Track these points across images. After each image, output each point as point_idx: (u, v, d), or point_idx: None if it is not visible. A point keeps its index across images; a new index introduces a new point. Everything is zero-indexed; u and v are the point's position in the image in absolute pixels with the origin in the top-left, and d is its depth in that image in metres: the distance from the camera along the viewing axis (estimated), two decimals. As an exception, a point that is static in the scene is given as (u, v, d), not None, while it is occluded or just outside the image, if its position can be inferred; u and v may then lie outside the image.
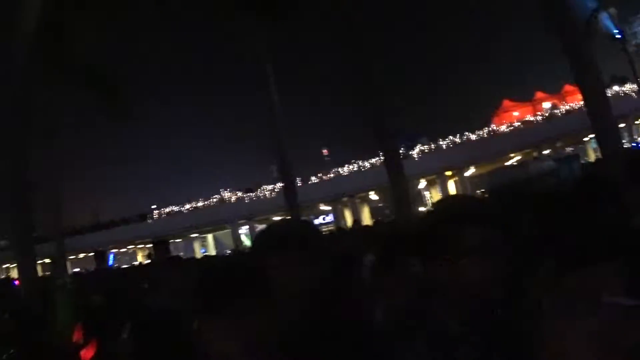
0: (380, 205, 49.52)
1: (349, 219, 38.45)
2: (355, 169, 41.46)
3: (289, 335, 1.84)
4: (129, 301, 6.10)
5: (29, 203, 14.05)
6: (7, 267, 47.22)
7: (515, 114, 51.72)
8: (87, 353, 4.09)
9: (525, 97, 56.39)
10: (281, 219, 4.32)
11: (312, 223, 2.80)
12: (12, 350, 5.05)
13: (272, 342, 1.74)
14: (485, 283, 1.77)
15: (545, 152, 39.63)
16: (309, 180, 41.02)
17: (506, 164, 39.12)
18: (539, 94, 55.88)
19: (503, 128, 42.18)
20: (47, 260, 34.82)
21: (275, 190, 39.13)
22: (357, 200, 43.01)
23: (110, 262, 39.73)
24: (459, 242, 1.77)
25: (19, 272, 13.13)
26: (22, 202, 13.51)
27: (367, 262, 4.16)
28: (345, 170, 42.00)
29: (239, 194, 43.60)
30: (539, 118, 43.08)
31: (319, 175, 42.21)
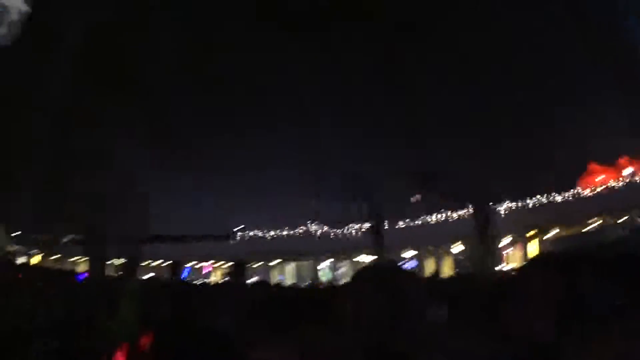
0: (462, 257, 48.85)
1: (429, 268, 37.76)
2: (442, 218, 41.62)
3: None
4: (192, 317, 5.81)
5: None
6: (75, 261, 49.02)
7: (600, 177, 50.05)
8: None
9: (613, 160, 54.31)
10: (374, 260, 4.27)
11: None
12: (55, 344, 4.71)
13: None
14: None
15: (623, 219, 38.11)
16: (396, 224, 40.81)
17: (586, 229, 38.65)
18: (622, 160, 53.58)
19: (587, 192, 41.84)
20: (121, 261, 35.65)
21: (362, 229, 39.26)
22: (440, 251, 42.30)
23: (185, 274, 40.22)
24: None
25: (90, 267, 13.24)
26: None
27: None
28: (432, 218, 42.10)
29: (325, 228, 43.77)
30: (620, 184, 42.13)
31: (405, 220, 42.14)
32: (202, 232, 46.23)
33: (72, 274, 12.75)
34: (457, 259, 47.27)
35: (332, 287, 8.80)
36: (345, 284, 2.64)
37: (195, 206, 40.72)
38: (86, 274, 12.67)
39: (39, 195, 24.66)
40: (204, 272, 43.43)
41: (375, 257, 18.14)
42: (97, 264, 23.60)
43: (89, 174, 19.98)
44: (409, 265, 44.99)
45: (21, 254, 52.83)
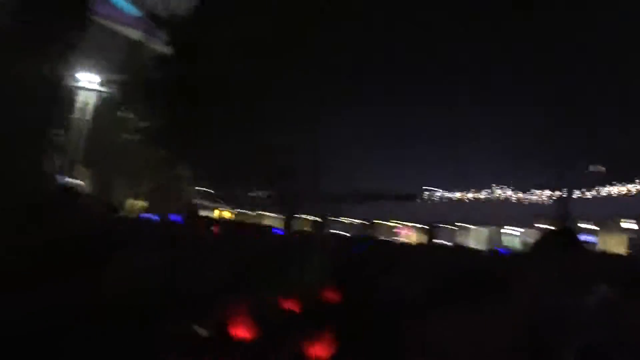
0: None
1: (605, 244, 34.90)
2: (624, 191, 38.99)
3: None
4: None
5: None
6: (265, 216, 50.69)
7: None
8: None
9: None
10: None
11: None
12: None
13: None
14: None
15: None
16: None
17: None
18: None
19: None
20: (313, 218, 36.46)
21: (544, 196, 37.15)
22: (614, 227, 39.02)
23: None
24: None
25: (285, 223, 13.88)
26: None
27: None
28: (614, 191, 39.29)
29: (509, 193, 42.20)
30: None
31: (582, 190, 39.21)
32: (388, 192, 46.21)
33: (269, 228, 13.51)
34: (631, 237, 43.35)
35: (515, 256, 8.41)
36: (525, 254, 2.67)
37: (383, 165, 40.63)
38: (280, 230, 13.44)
39: (228, 149, 26.00)
40: (401, 233, 43.46)
41: (557, 226, 16.86)
42: (290, 220, 24.72)
43: (279, 128, 20.51)
44: (586, 239, 41.80)
45: (209, 209, 56.99)
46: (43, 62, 4.30)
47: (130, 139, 25.19)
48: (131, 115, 24.38)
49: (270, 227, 16.85)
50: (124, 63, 23.74)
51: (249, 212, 47.56)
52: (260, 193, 47.32)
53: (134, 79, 22.61)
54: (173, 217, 12.96)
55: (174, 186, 28.14)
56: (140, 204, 25.01)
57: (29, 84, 4.16)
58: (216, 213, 43.70)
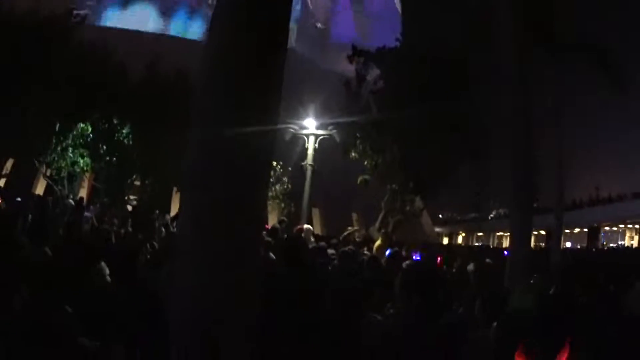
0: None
1: None
2: None
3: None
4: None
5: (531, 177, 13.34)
6: (501, 236, 48.51)
7: None
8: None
9: None
10: None
11: None
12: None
13: None
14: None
15: None
16: None
17: None
18: None
19: None
20: (542, 232, 33.88)
21: None
22: None
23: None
24: None
25: (512, 242, 12.54)
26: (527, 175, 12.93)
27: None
28: None
29: None
30: None
31: None
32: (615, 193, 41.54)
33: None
34: None
35: None
36: None
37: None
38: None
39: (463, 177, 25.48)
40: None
41: None
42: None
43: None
44: None
45: (445, 235, 56.48)
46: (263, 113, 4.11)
47: (363, 179, 25.62)
48: (358, 154, 24.87)
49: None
50: (345, 103, 24.44)
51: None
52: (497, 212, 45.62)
53: (361, 118, 23.19)
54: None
55: (411, 220, 27.81)
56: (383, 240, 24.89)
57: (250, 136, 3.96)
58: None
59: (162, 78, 27.60)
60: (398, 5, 61.53)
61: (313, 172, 23.05)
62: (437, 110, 21.56)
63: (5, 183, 27.59)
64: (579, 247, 41.26)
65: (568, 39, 18.67)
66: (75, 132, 24.82)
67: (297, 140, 23.33)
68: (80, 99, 23.08)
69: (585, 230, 43.76)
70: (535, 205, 35.33)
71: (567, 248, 37.11)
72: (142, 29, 51.65)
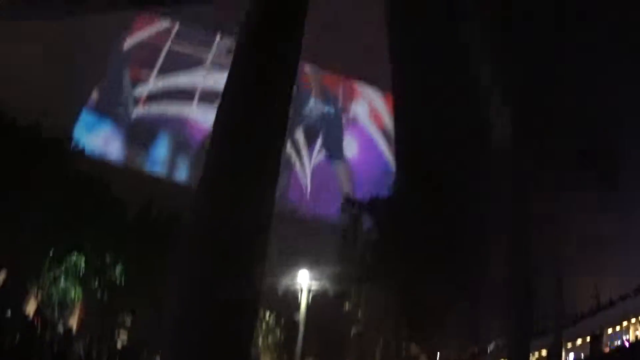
0: None
1: None
2: None
3: None
4: None
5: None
6: None
7: None
8: None
9: None
10: None
11: None
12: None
13: None
14: None
15: None
16: None
17: None
18: None
19: None
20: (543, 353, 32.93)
21: None
22: None
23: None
24: None
25: None
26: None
27: None
28: None
29: None
30: None
31: None
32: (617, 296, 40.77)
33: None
34: None
35: None
36: None
37: None
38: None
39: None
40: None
41: None
42: None
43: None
44: None
45: None
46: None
47: (357, 331, 25.25)
48: (353, 306, 24.64)
49: None
50: (339, 254, 24.45)
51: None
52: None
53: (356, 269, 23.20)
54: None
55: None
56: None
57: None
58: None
59: (156, 221, 27.69)
60: (386, 153, 63.50)
61: (306, 324, 22.66)
62: (430, 257, 21.57)
63: (-3, 295, 27.26)
64: (582, 355, 40.17)
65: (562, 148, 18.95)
66: (68, 263, 24.75)
67: (291, 293, 23.12)
68: (75, 228, 23.34)
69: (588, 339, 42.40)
70: (534, 328, 34.87)
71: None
72: (138, 166, 52.63)
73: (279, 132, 5.31)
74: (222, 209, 4.64)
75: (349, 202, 24.79)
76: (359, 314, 24.56)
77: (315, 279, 22.60)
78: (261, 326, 27.91)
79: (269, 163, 5.15)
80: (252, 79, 5.33)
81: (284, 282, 22.22)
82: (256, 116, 5.13)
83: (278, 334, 29.18)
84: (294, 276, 22.23)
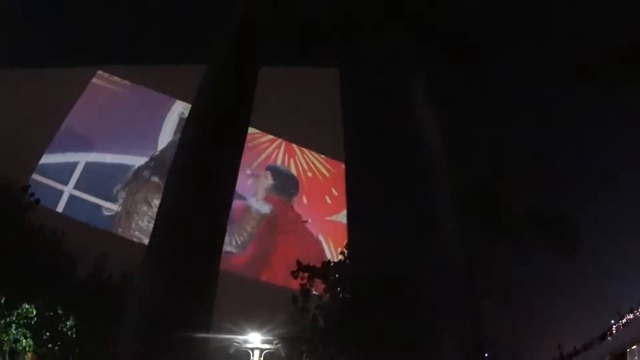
0: None
1: None
2: None
3: None
4: None
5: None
6: None
7: None
8: None
9: None
10: None
11: None
12: None
13: None
14: None
15: None
16: None
17: None
18: None
19: None
20: None
21: None
22: None
23: None
24: None
25: None
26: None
27: None
28: None
29: None
30: None
31: None
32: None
33: None
34: None
35: None
36: None
37: None
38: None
39: None
40: None
41: None
42: None
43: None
44: None
45: None
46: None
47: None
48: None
49: None
50: (291, 318, 24.51)
51: None
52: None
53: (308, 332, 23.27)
54: None
55: None
56: None
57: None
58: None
59: (108, 278, 27.59)
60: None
61: (258, 387, 22.61)
62: (386, 321, 21.76)
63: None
64: None
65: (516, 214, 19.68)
66: (19, 311, 24.40)
67: (242, 355, 23.09)
68: (27, 279, 23.21)
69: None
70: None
71: None
72: (94, 223, 52.07)
73: (226, 203, 5.83)
74: (180, 232, 5.07)
75: (301, 267, 25.02)
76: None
77: (267, 341, 22.70)
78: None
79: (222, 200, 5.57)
80: (209, 125, 5.79)
81: (235, 342, 22.20)
82: (204, 186, 5.59)
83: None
84: (245, 339, 22.32)
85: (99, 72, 58.30)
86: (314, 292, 24.97)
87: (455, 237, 14.22)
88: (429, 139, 16.14)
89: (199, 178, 5.24)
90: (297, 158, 64.04)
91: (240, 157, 5.64)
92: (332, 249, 55.86)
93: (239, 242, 56.44)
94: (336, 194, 63.55)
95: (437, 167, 15.35)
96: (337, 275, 24.88)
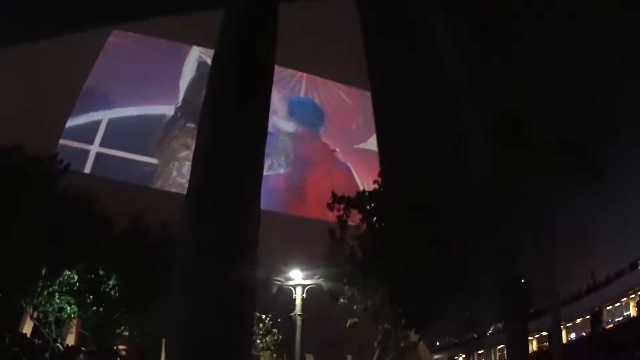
0: None
1: None
2: None
3: None
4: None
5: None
6: (502, 348, 47.40)
7: None
8: None
9: None
10: None
11: None
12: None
13: None
14: None
15: None
16: None
17: None
18: None
19: None
20: (544, 333, 33.04)
21: None
22: None
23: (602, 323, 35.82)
24: None
25: (508, 353, 12.70)
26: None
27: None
28: None
29: None
30: None
31: None
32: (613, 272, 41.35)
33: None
34: None
35: None
36: None
37: None
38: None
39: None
40: None
41: None
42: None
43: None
44: None
45: None
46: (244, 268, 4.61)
47: (352, 322, 25.28)
48: (347, 300, 24.65)
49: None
50: (330, 251, 24.46)
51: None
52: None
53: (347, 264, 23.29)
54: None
55: (407, 354, 27.16)
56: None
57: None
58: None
59: (146, 231, 27.69)
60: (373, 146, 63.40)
61: (303, 320, 22.79)
62: (419, 246, 21.72)
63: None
64: (583, 334, 40.75)
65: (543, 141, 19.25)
66: (61, 279, 24.85)
67: (285, 292, 23.27)
68: (65, 246, 23.27)
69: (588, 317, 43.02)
70: (532, 310, 35.10)
71: (571, 340, 36.79)
72: (127, 179, 52.48)
73: (261, 139, 5.66)
74: (210, 217, 4.99)
75: (336, 198, 24.82)
76: (355, 307, 24.62)
77: (307, 277, 22.80)
78: (258, 327, 28.00)
79: (253, 166, 5.45)
80: (231, 92, 5.62)
81: (277, 281, 22.37)
82: (237, 124, 5.42)
83: (276, 333, 29.30)
84: (286, 275, 22.44)
85: (115, 31, 58.28)
86: (351, 222, 24.90)
87: (486, 162, 13.90)
88: (454, 64, 15.56)
89: (232, 115, 5.04)
90: (319, 90, 63.72)
91: (270, 92, 5.46)
92: (362, 178, 56.63)
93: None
94: (361, 121, 63.58)
95: (462, 92, 14.87)
96: (372, 205, 24.77)
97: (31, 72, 48.19)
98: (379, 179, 25.86)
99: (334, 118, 63.54)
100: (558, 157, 19.94)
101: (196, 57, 60.09)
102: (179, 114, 57.65)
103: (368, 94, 64.77)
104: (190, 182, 5.23)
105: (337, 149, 61.65)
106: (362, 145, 62.60)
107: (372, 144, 62.91)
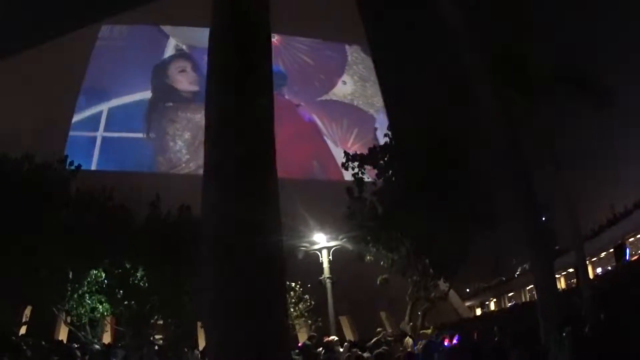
0: None
1: None
2: None
3: None
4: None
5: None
6: (532, 289, 47.49)
7: None
8: None
9: None
10: None
11: None
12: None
13: None
14: None
15: None
16: None
17: None
18: None
19: None
20: (570, 270, 32.93)
21: None
22: None
23: (627, 255, 35.52)
24: None
25: (538, 292, 12.63)
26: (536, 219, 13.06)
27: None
28: None
29: None
30: None
31: None
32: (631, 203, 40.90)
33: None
34: None
35: None
36: None
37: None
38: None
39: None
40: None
41: None
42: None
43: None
44: None
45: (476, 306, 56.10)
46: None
47: (382, 278, 25.39)
48: (373, 256, 24.68)
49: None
50: (350, 210, 24.36)
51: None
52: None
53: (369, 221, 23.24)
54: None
55: (439, 304, 27.32)
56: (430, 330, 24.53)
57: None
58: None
59: (165, 216, 27.59)
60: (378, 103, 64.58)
61: (332, 283, 22.85)
62: (437, 192, 21.58)
63: (26, 330, 27.45)
64: (609, 268, 40.43)
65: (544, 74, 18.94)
66: (89, 279, 24.95)
67: (312, 257, 23.30)
68: (87, 245, 23.18)
69: (612, 250, 42.72)
70: (557, 247, 34.99)
71: (598, 275, 36.57)
72: (139, 169, 52.93)
73: (269, 106, 5.57)
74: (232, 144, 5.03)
75: (349, 157, 24.67)
76: (382, 262, 24.65)
77: (332, 238, 22.80)
78: (290, 295, 28.07)
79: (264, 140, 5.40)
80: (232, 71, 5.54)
81: (302, 247, 22.41)
82: (243, 97, 5.33)
83: (308, 299, 29.41)
84: (312, 241, 22.46)
85: (101, 32, 59.13)
86: (367, 178, 24.85)
87: (494, 104, 13.60)
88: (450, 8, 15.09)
89: (239, 87, 4.91)
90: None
91: (271, 61, 5.31)
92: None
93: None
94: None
95: (461, 33, 14.46)
96: (385, 159, 24.64)
97: (35, 76, 48.49)
98: (389, 132, 25.67)
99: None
100: (559, 89, 19.55)
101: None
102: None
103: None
104: (206, 161, 5.12)
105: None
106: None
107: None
